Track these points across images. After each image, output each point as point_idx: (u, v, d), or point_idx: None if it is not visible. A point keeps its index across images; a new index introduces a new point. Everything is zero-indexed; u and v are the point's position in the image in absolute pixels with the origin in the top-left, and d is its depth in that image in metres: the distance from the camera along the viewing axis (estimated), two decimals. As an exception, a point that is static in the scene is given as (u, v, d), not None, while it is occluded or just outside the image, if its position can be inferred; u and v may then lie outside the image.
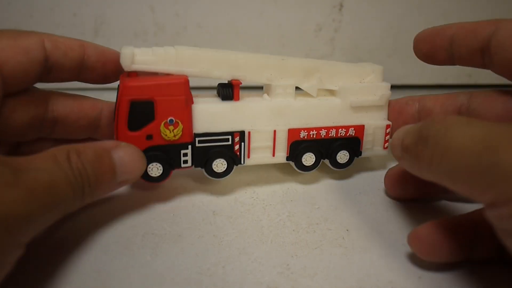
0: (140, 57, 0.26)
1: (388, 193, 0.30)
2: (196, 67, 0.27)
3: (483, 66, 0.27)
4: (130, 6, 0.43)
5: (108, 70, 0.28)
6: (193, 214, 0.28)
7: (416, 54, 0.30)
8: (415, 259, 0.24)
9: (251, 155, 0.29)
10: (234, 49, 0.28)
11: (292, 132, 0.29)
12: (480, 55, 0.27)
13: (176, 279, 0.23)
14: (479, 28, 0.26)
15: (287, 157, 0.30)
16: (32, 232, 0.19)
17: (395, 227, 0.27)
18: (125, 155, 0.24)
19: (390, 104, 0.32)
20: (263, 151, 0.30)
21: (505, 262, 0.23)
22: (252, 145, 0.29)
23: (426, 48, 0.29)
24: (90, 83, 0.29)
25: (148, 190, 0.30)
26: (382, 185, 0.31)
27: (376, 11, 0.47)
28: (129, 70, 0.26)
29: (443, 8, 0.48)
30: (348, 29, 0.48)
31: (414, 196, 0.29)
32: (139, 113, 0.26)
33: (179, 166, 0.28)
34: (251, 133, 0.29)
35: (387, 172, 0.30)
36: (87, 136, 0.30)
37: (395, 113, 0.32)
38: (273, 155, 0.30)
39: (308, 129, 0.30)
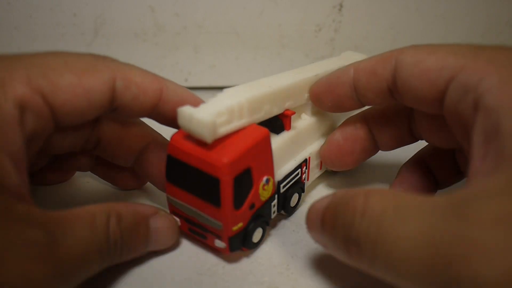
0: (219, 122, 0.21)
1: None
2: (262, 110, 0.24)
3: (397, 102, 0.25)
4: (130, 6, 0.43)
5: None
6: (193, 214, 0.28)
7: (320, 107, 0.28)
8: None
9: (310, 177, 0.29)
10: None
11: None
12: (390, 95, 0.24)
13: (176, 279, 0.23)
14: (379, 69, 0.24)
15: None
16: None
17: (395, 227, 0.26)
18: (162, 226, 0.23)
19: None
20: (315, 168, 0.30)
21: None
22: (310, 168, 0.29)
23: (330, 100, 0.26)
24: (158, 122, 0.26)
25: (148, 191, 0.30)
26: (381, 186, 0.31)
27: (376, 11, 0.47)
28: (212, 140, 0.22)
29: (443, 8, 0.48)
30: (348, 30, 0.48)
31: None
32: (241, 187, 0.23)
33: (271, 219, 0.26)
34: (310, 158, 0.28)
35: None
36: (127, 164, 0.27)
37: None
38: (320, 168, 0.31)
39: None
